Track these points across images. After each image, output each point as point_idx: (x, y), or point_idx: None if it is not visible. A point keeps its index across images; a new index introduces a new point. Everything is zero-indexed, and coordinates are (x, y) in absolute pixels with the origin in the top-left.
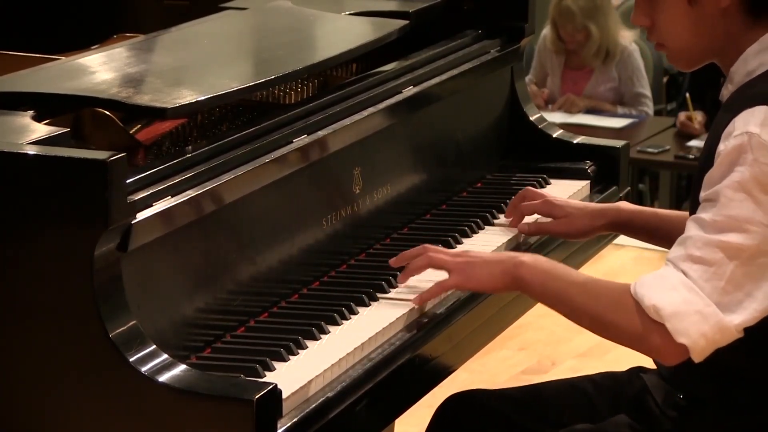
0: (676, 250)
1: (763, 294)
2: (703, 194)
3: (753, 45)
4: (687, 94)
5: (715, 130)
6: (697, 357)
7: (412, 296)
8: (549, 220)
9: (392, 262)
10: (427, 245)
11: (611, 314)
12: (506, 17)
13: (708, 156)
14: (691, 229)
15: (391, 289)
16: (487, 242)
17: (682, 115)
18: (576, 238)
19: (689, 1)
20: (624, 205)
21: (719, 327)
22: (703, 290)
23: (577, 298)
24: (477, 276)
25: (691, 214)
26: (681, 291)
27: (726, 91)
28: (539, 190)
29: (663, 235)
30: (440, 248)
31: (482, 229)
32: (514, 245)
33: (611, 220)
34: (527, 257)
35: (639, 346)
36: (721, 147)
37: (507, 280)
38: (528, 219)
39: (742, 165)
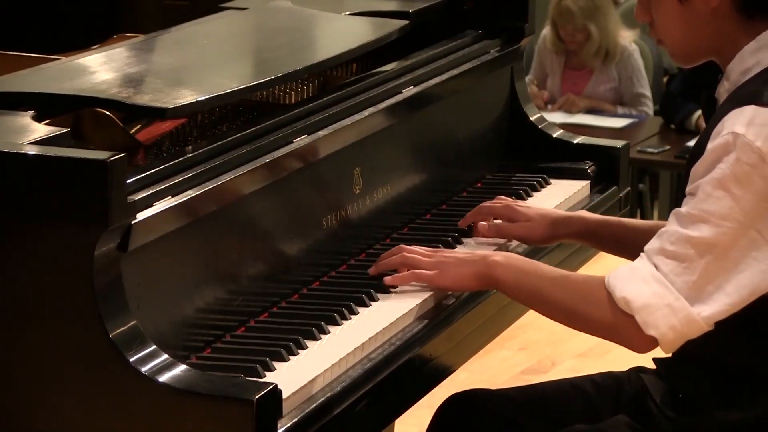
0: (653, 242)
1: (734, 287)
2: (687, 188)
3: (750, 43)
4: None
5: (708, 128)
6: (667, 349)
7: (410, 297)
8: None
9: (372, 270)
10: (403, 245)
11: (583, 307)
12: (506, 17)
13: (698, 152)
14: (670, 222)
15: (391, 290)
16: (486, 242)
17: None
18: (536, 244)
19: (680, 0)
20: (588, 214)
21: (688, 320)
22: (674, 284)
23: (550, 293)
24: (450, 275)
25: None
26: (651, 284)
27: (722, 89)
28: (498, 199)
29: (631, 247)
30: (415, 248)
31: None
32: (512, 247)
33: (576, 229)
34: (500, 256)
35: (610, 337)
36: (709, 145)
37: (480, 280)
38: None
39: (725, 163)
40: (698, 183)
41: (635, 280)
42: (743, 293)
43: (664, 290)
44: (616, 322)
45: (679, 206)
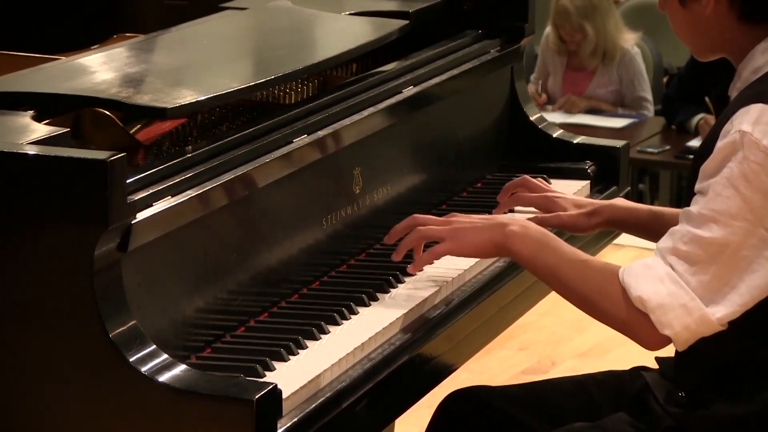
0: (665, 241)
1: (746, 287)
2: (696, 186)
3: (761, 42)
4: (706, 98)
5: (717, 125)
6: (681, 347)
7: (410, 297)
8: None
9: (387, 239)
10: (416, 215)
11: (599, 299)
12: (506, 17)
13: (707, 149)
14: (681, 222)
15: (391, 289)
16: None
17: (711, 119)
18: (571, 232)
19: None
20: (620, 201)
21: (702, 320)
22: (689, 284)
23: (567, 276)
24: (466, 243)
25: (685, 205)
26: (667, 284)
27: (733, 88)
28: (538, 182)
29: (658, 232)
30: (429, 217)
31: None
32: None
33: (607, 217)
34: (517, 227)
35: (623, 331)
36: (718, 143)
37: (496, 248)
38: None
39: (733, 162)
40: (708, 182)
41: (650, 279)
42: (755, 293)
43: (679, 290)
44: (630, 319)
45: (684, 205)
